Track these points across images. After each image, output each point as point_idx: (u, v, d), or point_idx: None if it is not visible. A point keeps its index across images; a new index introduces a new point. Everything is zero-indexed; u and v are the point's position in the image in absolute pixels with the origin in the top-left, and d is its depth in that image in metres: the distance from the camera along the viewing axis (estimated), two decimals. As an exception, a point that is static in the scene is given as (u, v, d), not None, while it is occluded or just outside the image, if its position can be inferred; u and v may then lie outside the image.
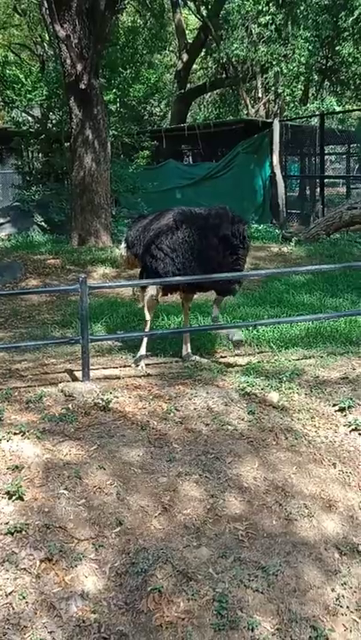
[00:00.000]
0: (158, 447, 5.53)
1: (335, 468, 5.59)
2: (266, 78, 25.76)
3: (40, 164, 21.78)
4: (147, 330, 7.31)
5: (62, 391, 6.15)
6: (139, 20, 31.22)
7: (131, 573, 4.51)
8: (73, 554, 4.57)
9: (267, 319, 8.42)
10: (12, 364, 7.21)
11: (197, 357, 7.31)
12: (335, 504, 5.28)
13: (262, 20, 23.51)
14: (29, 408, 5.91)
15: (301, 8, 23.77)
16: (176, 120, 30.14)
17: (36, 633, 4.15)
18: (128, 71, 21.75)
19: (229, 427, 5.82)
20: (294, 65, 23.60)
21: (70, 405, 5.92)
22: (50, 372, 6.90)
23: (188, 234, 6.86)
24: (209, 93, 35.46)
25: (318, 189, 20.85)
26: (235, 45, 24.63)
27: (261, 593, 4.54)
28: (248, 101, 28.76)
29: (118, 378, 6.61)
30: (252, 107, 28.38)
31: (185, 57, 30.63)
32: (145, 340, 7.20)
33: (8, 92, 20.09)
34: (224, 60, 27.60)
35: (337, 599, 4.66)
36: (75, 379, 6.57)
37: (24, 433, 5.45)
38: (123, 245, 7.70)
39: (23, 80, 19.75)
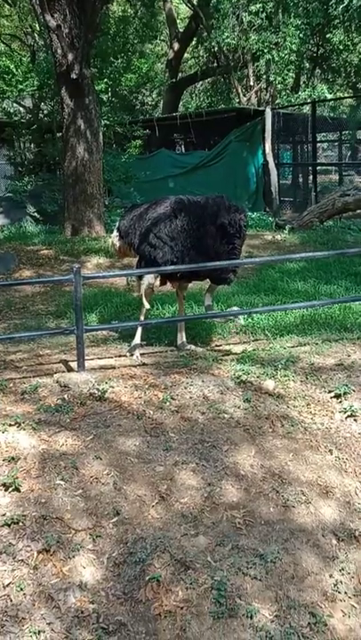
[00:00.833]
0: (155, 436, 5.52)
1: (331, 454, 5.59)
2: (257, 66, 25.67)
3: (32, 154, 21.68)
4: (142, 319, 7.29)
5: (57, 382, 6.13)
6: (129, 10, 31.09)
7: (129, 563, 4.51)
8: (70, 544, 4.56)
9: (261, 307, 8.41)
10: (6, 356, 7.19)
11: (192, 346, 7.29)
12: (332, 490, 5.28)
13: (253, 7, 23.43)
14: (25, 399, 5.89)
15: (292, -4, 23.68)
16: (168, 109, 30.07)
17: (35, 624, 4.14)
18: (119, 60, 21.68)
19: (225, 415, 5.81)
20: (285, 53, 23.51)
21: (66, 396, 5.90)
22: (45, 363, 6.88)
23: (187, 222, 6.83)
24: (200, 82, 35.36)
25: (311, 177, 20.83)
26: (226, 34, 24.51)
27: (260, 580, 4.54)
28: (240, 90, 28.68)
29: (114, 368, 6.59)
30: (244, 95, 28.30)
31: (176, 46, 30.53)
32: (140, 328, 7.18)
33: (-1, 82, 20.00)
34: (215, 48, 27.49)
35: (335, 585, 4.67)
36: (70, 369, 6.55)
37: (20, 424, 5.43)
38: (115, 234, 7.62)
39: (14, 70, 19.64)
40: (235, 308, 7.64)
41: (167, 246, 6.83)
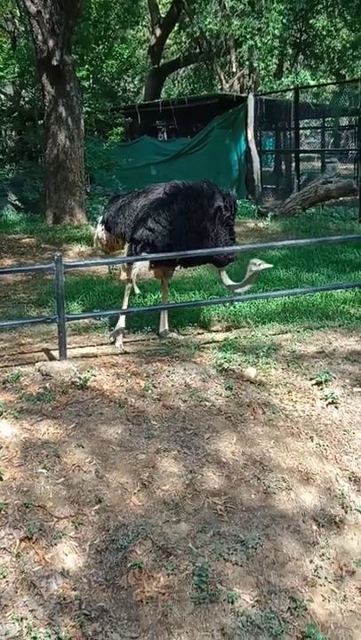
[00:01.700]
0: (137, 424, 5.54)
1: (312, 441, 5.63)
2: (240, 52, 25.56)
3: (13, 142, 21.60)
4: (125, 306, 7.26)
5: (39, 370, 6.13)
6: (110, -5, 30.83)
7: (111, 550, 4.54)
8: (53, 532, 4.58)
9: (243, 295, 8.42)
10: (-12, 345, 7.17)
11: (174, 334, 7.30)
12: (313, 477, 5.33)
13: (235, -8, 23.33)
14: (6, 388, 5.89)
15: (275, -20, 23.58)
16: (150, 96, 29.91)
17: (17, 611, 4.16)
18: (101, 47, 21.57)
19: (207, 403, 5.84)
20: (268, 38, 23.43)
21: (48, 384, 5.90)
22: (26, 352, 6.87)
23: (184, 205, 6.88)
24: (183, 68, 35.22)
25: (294, 164, 20.84)
26: (208, 19, 24.42)
27: (241, 566, 4.59)
28: (222, 76, 28.56)
29: (95, 356, 6.59)
30: (227, 81, 28.18)
31: (158, 32, 30.31)
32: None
33: (-21, 69, 19.83)
34: (197, 34, 27.33)
35: (315, 570, 4.73)
36: (52, 358, 6.55)
37: (1, 413, 5.44)
38: (100, 228, 7.39)
39: (-6, 57, 19.53)
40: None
41: (166, 230, 6.83)
